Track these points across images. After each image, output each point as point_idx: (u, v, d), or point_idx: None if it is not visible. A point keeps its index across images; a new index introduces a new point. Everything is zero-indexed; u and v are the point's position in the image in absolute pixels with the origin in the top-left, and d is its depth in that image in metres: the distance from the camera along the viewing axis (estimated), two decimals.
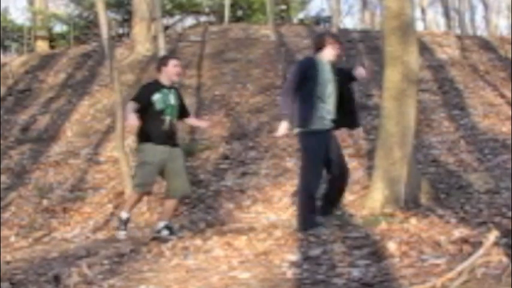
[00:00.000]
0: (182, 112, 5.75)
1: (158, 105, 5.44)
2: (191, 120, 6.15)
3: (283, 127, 5.07)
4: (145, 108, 5.40)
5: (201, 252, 4.32)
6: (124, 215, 5.57)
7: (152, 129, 5.43)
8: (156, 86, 5.53)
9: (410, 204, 5.63)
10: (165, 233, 5.43)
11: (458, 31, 22.58)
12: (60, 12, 21.60)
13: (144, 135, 5.47)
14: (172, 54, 13.72)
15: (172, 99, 5.54)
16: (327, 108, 5.09)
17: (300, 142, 5.13)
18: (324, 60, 5.20)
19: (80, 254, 4.75)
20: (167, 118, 5.49)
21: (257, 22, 18.47)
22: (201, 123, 6.58)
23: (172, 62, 5.58)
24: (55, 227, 7.51)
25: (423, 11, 28.42)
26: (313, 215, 4.99)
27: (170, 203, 5.59)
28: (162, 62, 5.65)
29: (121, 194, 7.91)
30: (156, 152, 5.41)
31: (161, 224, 5.53)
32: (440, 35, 15.56)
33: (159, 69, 5.60)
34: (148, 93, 5.46)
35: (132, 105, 5.35)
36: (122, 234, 5.54)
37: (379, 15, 25.81)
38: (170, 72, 5.53)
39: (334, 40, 5.26)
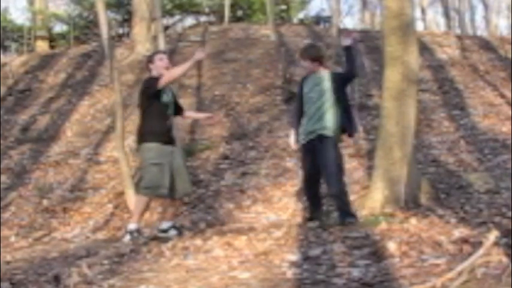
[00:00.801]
0: (178, 108, 5.66)
1: (165, 99, 5.35)
2: (190, 113, 6.12)
3: (291, 139, 5.56)
4: (149, 104, 5.29)
5: (201, 252, 4.32)
6: (132, 226, 5.33)
7: (157, 126, 5.28)
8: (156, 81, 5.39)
9: (410, 204, 5.63)
10: (172, 232, 5.34)
11: (458, 31, 22.59)
12: (60, 12, 21.59)
13: (148, 134, 5.29)
14: (172, 54, 13.74)
15: (168, 97, 5.47)
16: (310, 123, 5.28)
17: None
18: (309, 75, 5.41)
19: (80, 254, 4.75)
20: (170, 114, 5.44)
21: (257, 22, 18.47)
22: (200, 116, 6.68)
23: (158, 57, 5.48)
24: (55, 227, 7.51)
25: (423, 11, 28.42)
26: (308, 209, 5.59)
27: (173, 202, 5.53)
28: (149, 59, 5.56)
29: (121, 194, 7.91)
30: (163, 151, 5.27)
31: (168, 224, 5.43)
32: (440, 35, 15.57)
33: (147, 68, 5.53)
34: (156, 85, 5.28)
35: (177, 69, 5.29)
36: (127, 238, 5.34)
37: (379, 15, 25.80)
38: (159, 67, 5.39)
39: (303, 54, 5.48)
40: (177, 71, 5.30)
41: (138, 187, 5.66)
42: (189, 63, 5.28)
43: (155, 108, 5.32)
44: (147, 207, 5.64)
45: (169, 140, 5.36)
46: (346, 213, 5.16)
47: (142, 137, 5.34)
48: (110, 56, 7.94)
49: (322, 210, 5.48)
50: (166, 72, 5.26)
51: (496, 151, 8.11)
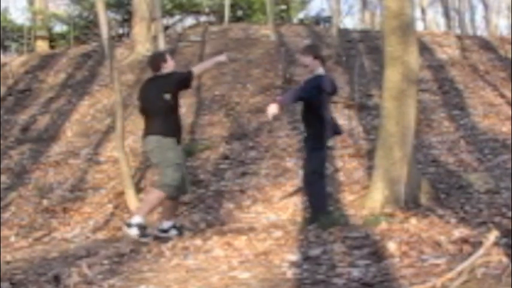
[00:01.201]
0: None
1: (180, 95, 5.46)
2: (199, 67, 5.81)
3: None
4: (175, 99, 5.30)
5: (201, 252, 4.32)
6: (138, 219, 5.10)
7: (177, 122, 5.32)
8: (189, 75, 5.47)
9: (410, 204, 5.64)
10: (173, 232, 5.28)
11: (458, 31, 22.59)
12: (60, 12, 21.59)
13: (171, 129, 5.23)
14: (172, 54, 13.74)
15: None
16: None
17: None
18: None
19: (80, 254, 4.75)
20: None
21: (257, 22, 18.47)
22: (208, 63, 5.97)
23: (169, 56, 5.53)
24: (55, 227, 7.50)
25: (423, 11, 28.42)
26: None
27: (173, 202, 5.45)
28: (161, 58, 5.48)
29: (121, 194, 7.90)
30: (180, 149, 5.34)
31: (168, 224, 5.34)
32: (440, 35, 15.57)
33: (158, 66, 5.39)
34: (191, 79, 5.41)
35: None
36: (134, 232, 5.09)
37: (379, 15, 25.80)
38: (171, 66, 5.42)
39: (306, 51, 5.63)
40: (202, 67, 5.56)
41: (157, 183, 5.38)
42: (210, 63, 5.48)
43: (176, 104, 5.35)
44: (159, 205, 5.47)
45: (180, 138, 5.40)
46: (313, 215, 5.26)
47: (165, 130, 5.22)
48: (110, 56, 7.94)
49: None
50: (197, 67, 5.47)
51: (496, 151, 8.11)
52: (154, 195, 5.26)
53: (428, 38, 14.57)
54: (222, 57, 5.50)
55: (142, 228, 5.11)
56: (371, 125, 9.22)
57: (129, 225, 5.13)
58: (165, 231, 5.32)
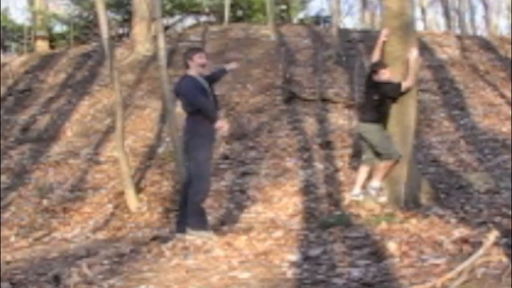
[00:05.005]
0: None
1: None
2: None
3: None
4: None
5: (201, 252, 4.32)
6: (377, 184, 5.90)
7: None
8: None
9: (410, 204, 5.64)
10: (372, 192, 5.91)
11: (458, 31, 22.54)
12: (60, 12, 21.58)
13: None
14: (172, 54, 13.73)
15: None
16: None
17: None
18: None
19: (80, 254, 4.75)
20: None
21: (257, 22, 18.47)
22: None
23: (383, 69, 6.03)
24: (55, 227, 7.50)
25: (423, 11, 28.41)
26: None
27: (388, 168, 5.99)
28: (381, 66, 5.96)
29: (121, 194, 7.90)
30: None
31: (377, 184, 5.90)
32: (440, 35, 15.57)
33: (377, 73, 5.98)
34: None
35: None
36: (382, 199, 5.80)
37: (379, 15, 25.78)
38: (386, 74, 5.95)
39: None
40: (411, 74, 5.91)
41: (382, 156, 5.99)
42: (413, 67, 5.87)
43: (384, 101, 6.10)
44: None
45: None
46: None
47: (381, 119, 5.96)
48: (110, 56, 7.94)
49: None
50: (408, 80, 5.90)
51: (496, 151, 8.11)
52: (386, 164, 5.93)
53: (428, 38, 14.57)
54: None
55: (378, 190, 5.91)
56: None
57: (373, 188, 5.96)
58: (374, 188, 5.94)
